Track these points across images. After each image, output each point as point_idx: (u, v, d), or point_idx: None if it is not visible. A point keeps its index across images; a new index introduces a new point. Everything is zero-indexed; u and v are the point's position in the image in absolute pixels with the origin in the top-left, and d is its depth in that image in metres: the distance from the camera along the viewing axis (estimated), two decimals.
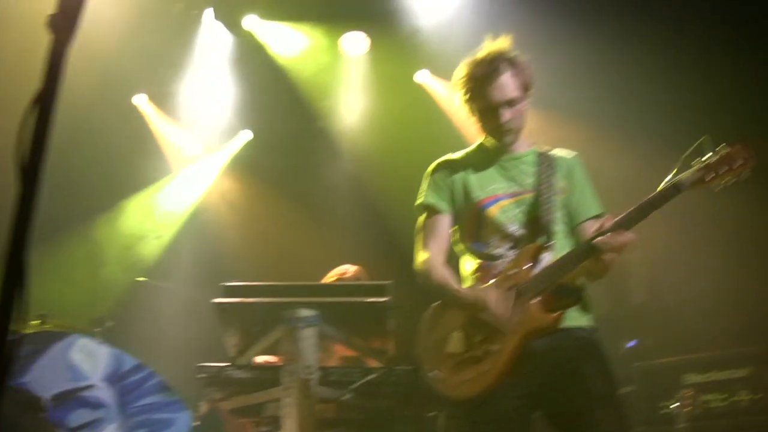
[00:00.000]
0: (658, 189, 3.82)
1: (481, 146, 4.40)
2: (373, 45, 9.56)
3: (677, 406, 5.96)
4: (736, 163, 3.68)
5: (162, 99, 9.90)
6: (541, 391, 4.03)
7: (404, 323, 5.20)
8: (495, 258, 4.19)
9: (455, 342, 4.13)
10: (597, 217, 4.17)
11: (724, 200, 7.39)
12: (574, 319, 4.11)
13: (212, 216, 10.24)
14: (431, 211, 4.36)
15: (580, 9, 7.96)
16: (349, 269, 6.50)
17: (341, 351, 5.96)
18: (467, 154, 4.42)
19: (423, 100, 9.57)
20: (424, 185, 4.42)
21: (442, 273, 4.25)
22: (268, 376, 5.25)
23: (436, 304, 4.31)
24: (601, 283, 4.23)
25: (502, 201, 4.22)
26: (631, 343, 7.65)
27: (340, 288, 5.56)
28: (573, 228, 4.24)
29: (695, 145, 3.78)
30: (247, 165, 10.28)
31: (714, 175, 3.71)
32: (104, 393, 4.24)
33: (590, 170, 4.38)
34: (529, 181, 4.25)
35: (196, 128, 10.03)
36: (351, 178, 10.06)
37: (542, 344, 4.00)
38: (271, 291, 5.31)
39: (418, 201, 4.41)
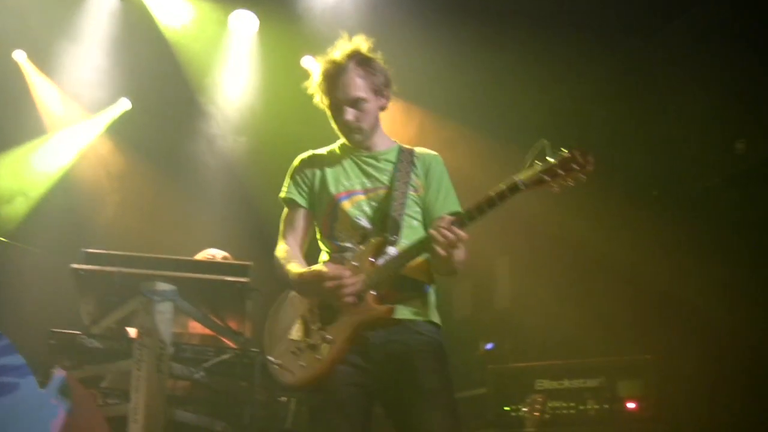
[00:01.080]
0: (498, 188, 3.81)
1: (343, 143, 4.44)
2: (263, 25, 9.46)
3: (527, 410, 6.03)
4: (574, 168, 3.71)
5: (42, 58, 9.62)
6: (376, 383, 4.08)
7: (262, 307, 5.20)
8: (344, 251, 4.22)
9: (296, 329, 4.19)
10: (452, 215, 4.05)
11: (587, 222, 7.67)
12: (415, 314, 4.15)
13: (84, 181, 10.01)
14: (290, 205, 4.46)
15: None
16: (216, 255, 6.44)
17: (197, 329, 5.89)
18: (330, 150, 4.47)
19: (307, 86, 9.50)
20: (287, 179, 4.49)
21: (290, 260, 4.28)
22: (121, 348, 5.19)
23: (285, 292, 4.35)
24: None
25: (356, 196, 4.28)
26: (489, 346, 7.74)
27: (201, 265, 5.50)
28: (427, 226, 4.21)
29: (534, 147, 3.81)
30: (123, 133, 10.06)
31: (552, 177, 3.74)
32: None
33: (451, 171, 4.42)
34: (385, 177, 4.30)
35: (75, 91, 9.77)
36: (227, 158, 9.96)
37: (379, 336, 4.06)
38: (131, 261, 5.25)
39: (280, 195, 4.49)
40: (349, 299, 3.98)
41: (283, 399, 5.66)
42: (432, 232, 3.86)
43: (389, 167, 4.32)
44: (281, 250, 4.36)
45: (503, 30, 7.83)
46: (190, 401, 5.41)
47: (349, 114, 4.22)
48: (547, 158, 3.74)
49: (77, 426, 4.44)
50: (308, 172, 4.41)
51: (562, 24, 7.75)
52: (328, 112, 4.34)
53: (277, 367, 4.18)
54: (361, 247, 4.15)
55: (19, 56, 9.71)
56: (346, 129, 4.27)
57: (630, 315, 7.23)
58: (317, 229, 4.43)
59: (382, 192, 4.26)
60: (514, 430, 6.22)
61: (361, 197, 4.27)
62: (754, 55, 6.48)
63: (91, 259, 5.21)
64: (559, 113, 8.01)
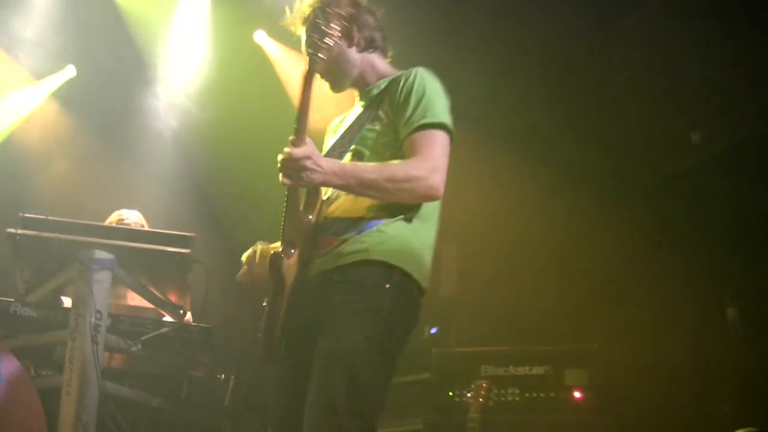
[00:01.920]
0: None
1: None
2: None
3: (471, 396, 5.95)
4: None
5: None
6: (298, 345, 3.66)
7: (203, 281, 5.10)
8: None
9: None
10: (423, 127, 3.65)
11: (535, 207, 7.62)
12: (345, 256, 3.57)
13: (26, 148, 9.76)
14: None
15: None
16: (129, 217, 6.30)
17: (135, 300, 5.73)
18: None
19: (260, 61, 9.38)
20: None
21: None
22: (57, 318, 5.03)
23: None
24: None
25: (333, 153, 3.86)
26: (433, 330, 7.65)
27: (142, 234, 5.32)
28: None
29: None
30: (69, 101, 9.83)
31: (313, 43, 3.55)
32: None
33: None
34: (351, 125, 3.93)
35: (19, 55, 9.52)
36: (174, 130, 9.79)
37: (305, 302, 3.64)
38: (70, 228, 5.06)
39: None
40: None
41: (221, 376, 5.51)
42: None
43: (362, 111, 3.95)
44: None
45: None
46: (125, 375, 5.27)
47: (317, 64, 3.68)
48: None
49: (7, 397, 4.31)
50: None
51: (519, 10, 7.69)
52: None
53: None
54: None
55: None
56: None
57: (577, 303, 7.17)
58: None
59: (339, 142, 3.90)
60: (458, 415, 6.11)
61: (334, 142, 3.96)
62: (711, 46, 6.43)
63: (28, 224, 5.02)
64: (512, 101, 7.95)
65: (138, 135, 9.80)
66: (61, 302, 5.41)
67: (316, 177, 3.45)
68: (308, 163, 3.41)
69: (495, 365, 6.44)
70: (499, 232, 7.84)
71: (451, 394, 6.48)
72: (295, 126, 3.49)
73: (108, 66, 9.54)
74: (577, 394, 6.21)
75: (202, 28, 9.46)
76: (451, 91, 3.80)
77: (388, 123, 3.75)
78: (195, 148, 9.62)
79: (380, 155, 3.70)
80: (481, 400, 5.87)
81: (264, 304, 3.74)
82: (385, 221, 3.60)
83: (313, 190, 3.64)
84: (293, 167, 3.43)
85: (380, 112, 3.80)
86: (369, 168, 3.57)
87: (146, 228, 6.21)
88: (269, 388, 3.85)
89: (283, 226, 3.73)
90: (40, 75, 9.74)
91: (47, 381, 4.94)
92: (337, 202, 3.68)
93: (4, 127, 9.67)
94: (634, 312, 6.89)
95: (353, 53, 3.99)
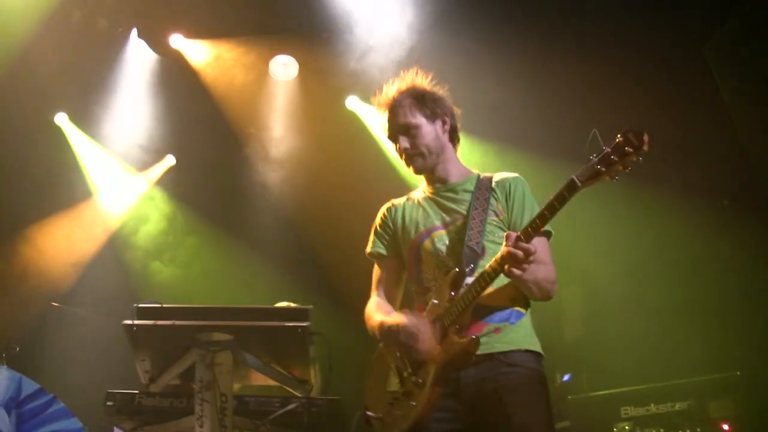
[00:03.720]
0: (557, 191, 3.70)
1: (421, 184, 4.50)
2: (302, 70, 9.31)
3: None
4: (628, 151, 3.52)
5: (84, 119, 9.54)
6: (468, 426, 3.97)
7: (325, 353, 5.05)
8: (428, 291, 4.20)
9: (392, 380, 4.15)
10: (541, 235, 4.02)
11: (656, 235, 7.39)
12: (507, 343, 4.02)
13: (132, 241, 9.87)
14: (377, 258, 4.51)
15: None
16: (289, 305, 6.23)
17: (259, 380, 5.63)
18: (407, 196, 4.53)
19: (354, 127, 9.34)
20: (371, 235, 4.55)
21: (376, 312, 4.30)
22: (182, 405, 4.97)
23: (380, 345, 4.33)
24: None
25: (436, 232, 4.25)
26: (566, 377, 7.45)
27: (258, 311, 5.24)
28: None
29: (589, 139, 3.67)
30: (170, 189, 9.93)
31: (606, 165, 3.56)
32: (1, 420, 4.01)
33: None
34: (463, 207, 4.25)
35: (119, 150, 9.66)
36: (276, 207, 9.78)
37: (471, 375, 3.97)
38: (185, 313, 4.98)
39: (366, 250, 4.55)
40: (421, 354, 3.96)
41: None
42: (500, 253, 3.79)
43: (467, 197, 4.28)
44: (371, 303, 4.41)
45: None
46: None
47: (403, 141, 4.29)
48: (604, 147, 3.60)
49: None
50: (389, 222, 4.48)
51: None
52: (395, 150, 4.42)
53: (376, 422, 4.13)
54: (441, 282, 4.12)
55: (61, 119, 9.60)
56: (405, 157, 4.32)
57: (712, 332, 6.90)
58: (408, 277, 4.43)
59: (459, 222, 4.22)
60: None
61: (441, 232, 4.25)
62: None
63: (143, 314, 4.96)
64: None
65: (243, 217, 9.85)
66: (187, 389, 5.33)
67: (538, 270, 3.90)
68: (532, 258, 3.73)
69: (635, 405, 6.24)
70: (621, 265, 7.63)
71: None
72: (535, 224, 3.75)
73: (206, 151, 9.64)
74: (725, 427, 5.93)
75: (292, 102, 9.44)
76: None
77: (504, 219, 4.21)
78: (301, 221, 9.59)
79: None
80: None
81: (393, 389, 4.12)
82: (525, 312, 4.15)
83: (459, 273, 4.05)
84: (522, 260, 3.71)
85: (494, 206, 4.22)
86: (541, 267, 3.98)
87: None
88: None
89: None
90: (140, 168, 9.86)
91: None
92: (489, 289, 3.96)
93: (111, 223, 9.80)
94: None
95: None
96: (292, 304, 6.23)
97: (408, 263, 4.35)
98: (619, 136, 3.55)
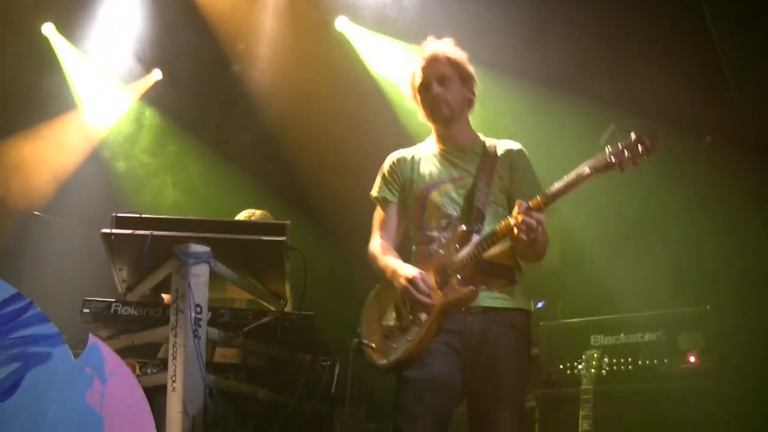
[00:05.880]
0: (571, 174, 4.11)
1: (431, 140, 4.80)
2: None
3: (583, 367, 5.79)
4: (639, 150, 3.95)
5: (71, 30, 9.47)
6: (466, 367, 4.37)
7: (301, 269, 5.11)
8: (432, 240, 4.52)
9: (390, 315, 4.49)
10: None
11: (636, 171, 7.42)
12: (506, 301, 4.43)
13: (114, 153, 9.86)
14: (381, 203, 4.79)
15: None
16: (255, 212, 6.27)
17: (235, 292, 5.69)
18: (417, 148, 4.83)
19: (343, 48, 9.30)
20: (378, 179, 4.83)
21: (383, 255, 4.60)
22: (157, 315, 5.04)
23: (379, 284, 4.65)
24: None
25: (444, 186, 4.58)
26: (540, 305, 7.52)
27: (236, 225, 5.28)
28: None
29: (607, 133, 4.49)
30: (156, 103, 9.90)
31: (617, 158, 3.98)
32: None
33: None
34: (472, 167, 4.60)
35: (106, 62, 9.62)
36: (261, 123, 9.77)
37: (478, 322, 4.37)
38: (163, 224, 5.00)
39: (372, 193, 4.83)
40: (424, 311, 4.34)
41: (326, 363, 5.45)
42: (509, 218, 4.16)
43: (475, 159, 4.62)
44: (375, 245, 4.69)
45: None
46: (229, 367, 5.24)
47: (436, 88, 4.58)
48: (618, 143, 4.01)
49: (113, 395, 4.29)
50: (398, 170, 4.76)
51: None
52: (418, 98, 4.70)
53: (372, 351, 4.45)
54: (447, 234, 4.46)
55: (48, 29, 9.54)
56: (433, 103, 4.60)
57: (684, 266, 6.97)
58: (408, 224, 4.74)
59: (468, 180, 4.56)
60: (570, 388, 5.97)
61: (448, 186, 4.58)
62: None
63: (122, 223, 4.99)
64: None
65: (226, 131, 9.85)
66: (162, 300, 5.37)
67: (541, 237, 4.18)
68: (541, 228, 4.11)
69: (605, 334, 6.32)
70: (597, 199, 7.66)
71: (561, 367, 6.37)
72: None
73: (192, 66, 9.59)
74: (692, 359, 6.02)
75: (282, 20, 9.39)
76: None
77: (506, 185, 4.57)
78: (283, 138, 9.58)
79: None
80: (592, 370, 5.71)
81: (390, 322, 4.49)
82: (519, 273, 4.56)
83: (468, 230, 4.40)
84: (535, 229, 4.07)
85: (499, 172, 4.57)
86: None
87: None
88: (375, 377, 4.54)
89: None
90: (126, 80, 9.82)
91: (153, 379, 4.90)
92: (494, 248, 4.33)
93: (94, 134, 9.78)
94: (748, 270, 6.66)
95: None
96: (257, 211, 6.28)
97: (413, 212, 4.66)
98: (633, 134, 3.98)
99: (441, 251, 4.44)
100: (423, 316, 4.33)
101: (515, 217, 4.08)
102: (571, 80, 7.94)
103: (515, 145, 4.71)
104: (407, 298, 4.35)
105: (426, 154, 4.74)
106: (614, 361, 6.11)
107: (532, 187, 4.49)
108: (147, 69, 9.87)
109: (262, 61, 9.59)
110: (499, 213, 4.48)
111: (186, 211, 6.79)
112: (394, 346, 4.38)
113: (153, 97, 9.95)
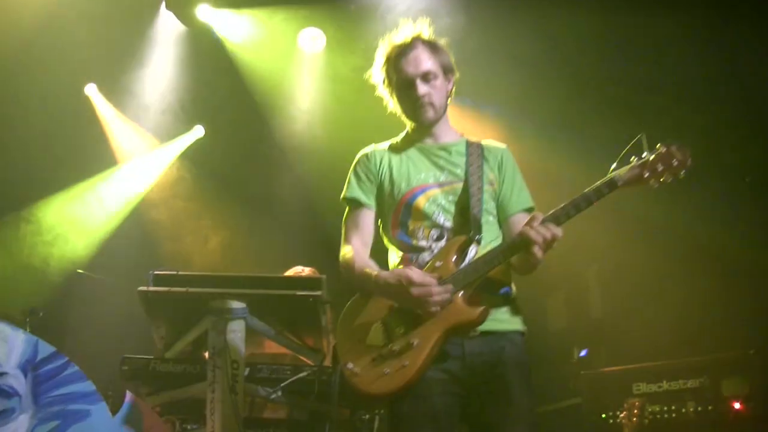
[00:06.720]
0: (594, 185, 3.75)
1: (407, 135, 4.30)
2: (329, 42, 9.31)
3: (624, 415, 5.73)
4: (672, 163, 3.68)
5: (113, 90, 9.62)
6: (469, 394, 3.91)
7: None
8: (421, 250, 4.04)
9: (376, 334, 3.93)
10: (527, 210, 4.12)
11: (676, 214, 7.37)
12: (505, 322, 4.01)
13: (156, 210, 9.96)
14: (353, 204, 4.25)
15: None
16: (304, 270, 6.27)
17: (272, 348, 5.69)
18: (394, 143, 4.32)
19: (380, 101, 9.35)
20: (349, 177, 4.30)
21: (363, 263, 4.07)
22: (195, 371, 5.05)
23: (357, 294, 4.10)
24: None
25: (431, 191, 4.10)
26: (583, 353, 7.46)
27: (271, 280, 5.28)
28: (502, 221, 4.16)
29: (632, 142, 3.74)
30: (196, 160, 10.00)
31: (650, 173, 3.70)
32: (17, 381, 4.05)
33: (520, 163, 4.30)
34: (459, 171, 4.14)
35: (147, 121, 9.74)
36: (299, 179, 9.83)
37: (476, 345, 3.90)
38: (199, 281, 5.03)
39: (343, 195, 4.29)
40: (435, 309, 3.78)
41: (366, 416, 5.43)
42: (529, 232, 3.71)
43: (461, 160, 4.16)
44: (348, 252, 4.14)
45: None
46: (267, 423, 5.24)
47: (422, 88, 4.08)
48: (645, 154, 3.71)
49: None
50: (372, 168, 4.23)
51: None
52: (395, 96, 4.19)
53: (353, 376, 3.88)
54: (439, 245, 4.00)
55: (90, 90, 9.70)
56: (418, 105, 4.10)
57: (727, 310, 6.90)
58: (383, 228, 4.24)
59: (457, 186, 4.10)
60: None
61: (436, 191, 4.10)
62: None
63: (159, 281, 5.03)
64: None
65: (267, 188, 9.91)
66: (201, 355, 5.40)
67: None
68: (557, 244, 3.74)
69: (647, 382, 6.25)
70: (637, 246, 7.62)
71: (603, 416, 6.30)
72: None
73: (232, 122, 9.69)
74: (736, 405, 5.94)
75: (318, 74, 9.47)
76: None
77: (495, 190, 4.17)
78: (319, 193, 9.62)
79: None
80: (634, 419, 5.65)
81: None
82: (512, 287, 4.09)
83: (467, 240, 3.97)
84: (551, 245, 3.72)
85: (488, 176, 4.16)
86: None
87: None
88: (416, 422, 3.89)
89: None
90: (167, 137, 9.94)
91: None
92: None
93: (135, 192, 9.88)
94: None
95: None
96: (307, 269, 6.27)
97: (392, 216, 4.16)
98: (661, 146, 3.70)
99: (437, 263, 3.93)
100: (420, 339, 3.80)
101: (535, 230, 3.69)
102: None
103: (501, 146, 4.29)
104: (415, 308, 3.82)
105: (405, 152, 4.23)
106: (657, 409, 6.05)
107: (521, 193, 4.18)
108: (188, 126, 9.96)
109: (304, 114, 9.65)
110: (490, 222, 4.08)
111: (228, 269, 6.81)
112: (386, 371, 3.80)
113: (191, 155, 10.03)
